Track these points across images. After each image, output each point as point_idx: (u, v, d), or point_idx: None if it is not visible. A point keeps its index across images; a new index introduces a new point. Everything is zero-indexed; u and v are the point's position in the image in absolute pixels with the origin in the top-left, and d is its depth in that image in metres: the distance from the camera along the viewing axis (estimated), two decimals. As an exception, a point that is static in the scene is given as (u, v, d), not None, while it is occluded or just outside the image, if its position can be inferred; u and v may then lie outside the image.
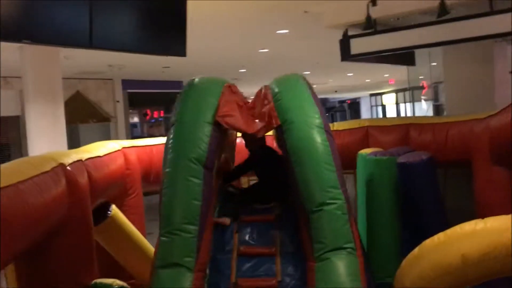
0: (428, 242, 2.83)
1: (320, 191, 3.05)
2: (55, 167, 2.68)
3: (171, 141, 3.21)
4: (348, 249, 2.96)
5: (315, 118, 3.21)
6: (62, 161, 2.81)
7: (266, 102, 3.37)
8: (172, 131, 3.24)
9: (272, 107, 3.28)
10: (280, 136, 3.28)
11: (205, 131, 3.15)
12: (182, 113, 3.27)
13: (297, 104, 3.28)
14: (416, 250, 2.89)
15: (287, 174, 3.27)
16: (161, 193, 3.13)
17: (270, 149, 3.95)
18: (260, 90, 3.55)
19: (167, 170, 3.13)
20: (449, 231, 2.76)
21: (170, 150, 3.18)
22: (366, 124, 5.28)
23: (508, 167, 3.81)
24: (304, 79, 3.53)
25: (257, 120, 3.33)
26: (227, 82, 3.53)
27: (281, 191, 3.68)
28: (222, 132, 3.33)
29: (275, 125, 3.25)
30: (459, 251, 2.60)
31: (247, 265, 3.25)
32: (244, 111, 3.38)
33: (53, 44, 4.16)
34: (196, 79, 3.48)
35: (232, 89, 3.48)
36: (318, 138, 3.15)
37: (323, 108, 3.43)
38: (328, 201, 3.02)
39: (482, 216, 2.74)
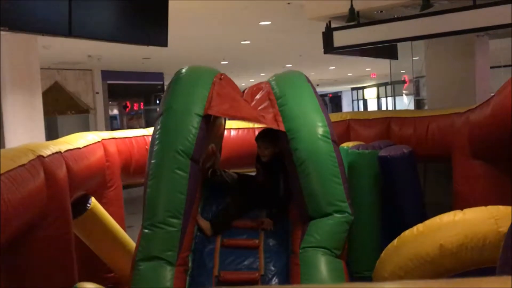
0: (407, 232, 2.85)
1: (327, 204, 3.04)
2: (32, 159, 2.62)
3: (158, 131, 3.13)
4: (336, 252, 3.01)
5: (321, 127, 3.16)
6: (40, 153, 2.74)
7: (268, 103, 3.29)
8: (159, 121, 3.16)
9: (277, 112, 3.21)
10: (285, 142, 3.21)
11: (194, 123, 3.08)
12: (171, 103, 3.18)
13: (303, 112, 3.22)
14: (395, 241, 2.92)
15: (291, 181, 3.23)
16: (145, 185, 3.07)
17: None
18: (258, 85, 3.49)
19: (153, 161, 3.06)
20: (428, 222, 2.80)
21: (157, 141, 3.10)
22: (348, 117, 5.28)
23: (487, 161, 3.84)
24: (308, 79, 3.46)
25: (262, 115, 3.25)
26: (218, 72, 3.46)
27: (281, 201, 3.52)
28: (210, 124, 3.27)
29: (279, 129, 3.19)
30: (437, 241, 2.63)
31: (230, 258, 3.21)
32: (243, 103, 3.31)
33: (31, 31, 4.06)
34: (186, 69, 3.40)
35: (223, 80, 3.40)
36: (325, 149, 3.11)
37: (327, 113, 3.37)
38: (335, 214, 3.04)
39: (461, 209, 2.77)
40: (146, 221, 2.97)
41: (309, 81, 3.45)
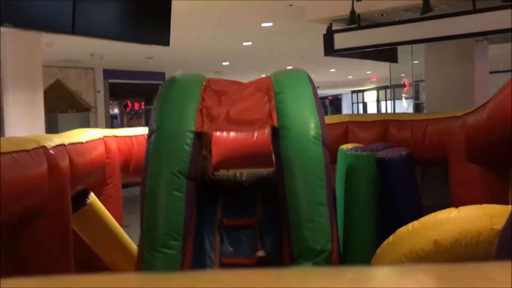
0: (402, 229, 2.91)
1: (307, 206, 3.01)
2: (36, 147, 2.66)
3: (151, 152, 3.08)
4: (324, 256, 2.98)
5: (314, 128, 3.12)
6: (43, 144, 2.78)
7: (266, 98, 3.26)
8: (151, 141, 3.11)
9: (273, 107, 3.18)
10: (275, 139, 3.20)
11: (187, 141, 3.04)
12: (161, 122, 3.13)
13: (298, 111, 3.19)
14: (391, 237, 2.97)
15: (276, 178, 3.23)
16: (142, 207, 3.03)
17: None
18: (261, 80, 3.46)
19: (149, 183, 3.02)
20: (423, 219, 2.86)
21: (151, 163, 3.05)
22: (346, 119, 5.32)
23: (483, 165, 3.87)
24: (310, 79, 3.43)
25: (254, 116, 3.23)
26: (205, 79, 3.40)
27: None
28: (202, 137, 3.24)
29: (272, 125, 3.16)
30: (432, 237, 2.69)
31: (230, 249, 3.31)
32: (234, 112, 3.25)
33: (35, 29, 4.11)
34: (172, 81, 3.35)
35: (211, 87, 3.33)
36: (313, 151, 3.07)
37: (323, 115, 3.33)
38: (313, 218, 2.99)
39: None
40: (146, 246, 2.95)
41: (310, 80, 3.42)
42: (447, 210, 2.79)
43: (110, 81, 14.50)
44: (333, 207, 3.19)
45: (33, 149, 2.61)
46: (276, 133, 3.16)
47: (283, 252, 3.21)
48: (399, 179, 4.09)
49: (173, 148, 3.04)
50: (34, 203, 2.62)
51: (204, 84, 3.33)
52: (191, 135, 3.05)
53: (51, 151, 2.82)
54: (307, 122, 3.15)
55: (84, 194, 3.76)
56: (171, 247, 2.92)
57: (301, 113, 3.19)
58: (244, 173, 4.05)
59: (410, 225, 2.87)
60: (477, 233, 2.58)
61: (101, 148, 4.03)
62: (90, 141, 3.79)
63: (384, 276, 0.56)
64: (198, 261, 3.29)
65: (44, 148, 2.75)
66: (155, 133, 3.10)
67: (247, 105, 3.28)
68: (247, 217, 3.54)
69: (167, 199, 2.97)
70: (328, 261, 2.99)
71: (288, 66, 14.44)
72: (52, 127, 11.82)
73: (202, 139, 3.22)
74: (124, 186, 4.63)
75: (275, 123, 3.12)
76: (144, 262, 2.95)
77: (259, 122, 3.21)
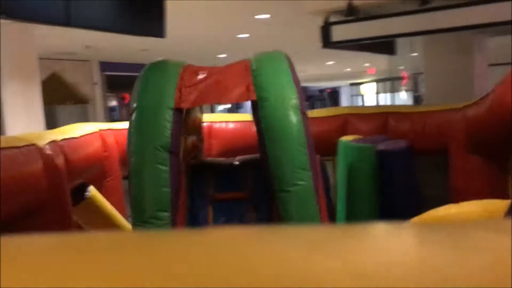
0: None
1: (290, 172, 3.06)
2: (27, 145, 2.64)
3: (133, 129, 3.16)
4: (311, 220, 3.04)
5: (292, 98, 3.18)
6: (35, 142, 2.76)
7: (244, 73, 3.33)
8: (133, 118, 3.19)
9: (250, 81, 3.25)
10: (255, 113, 3.27)
11: (167, 117, 3.12)
12: (141, 100, 3.22)
13: (275, 83, 3.25)
14: None
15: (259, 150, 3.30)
16: (129, 184, 3.12)
17: None
18: (241, 60, 3.52)
19: (133, 159, 3.11)
20: (423, 216, 2.82)
21: (134, 139, 3.14)
22: (345, 111, 5.30)
23: (483, 156, 3.87)
24: (287, 57, 3.50)
25: (230, 88, 3.29)
26: (183, 64, 3.49)
27: None
28: (183, 117, 3.32)
29: (251, 99, 3.23)
30: None
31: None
32: (210, 85, 3.33)
33: (29, 20, 4.06)
34: (152, 65, 3.45)
35: (188, 70, 3.42)
36: (293, 118, 3.13)
37: (302, 89, 3.42)
38: (296, 182, 3.05)
39: (457, 203, 2.80)
40: (135, 219, 3.04)
41: (288, 59, 3.48)
42: (447, 206, 2.76)
43: (107, 73, 14.46)
44: (317, 174, 3.25)
45: (24, 146, 2.58)
46: (255, 106, 3.22)
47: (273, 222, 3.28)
48: (398, 171, 4.09)
49: (153, 125, 3.12)
50: (29, 201, 2.60)
51: (184, 66, 3.43)
52: (170, 112, 3.13)
53: (44, 149, 2.80)
54: (286, 93, 3.21)
55: (84, 188, 3.78)
56: (160, 218, 3.00)
57: (279, 85, 3.25)
58: (237, 157, 4.18)
59: (410, 222, 2.84)
60: None
61: (97, 142, 4.03)
62: (84, 135, 3.79)
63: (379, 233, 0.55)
64: None
65: (36, 145, 2.72)
66: (136, 112, 3.19)
67: (225, 79, 3.35)
68: (238, 191, 3.70)
69: (152, 173, 3.04)
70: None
71: (286, 58, 14.39)
72: (51, 119, 11.78)
73: (182, 115, 3.29)
74: (126, 178, 4.65)
75: (253, 97, 3.19)
76: None
77: (237, 94, 3.27)
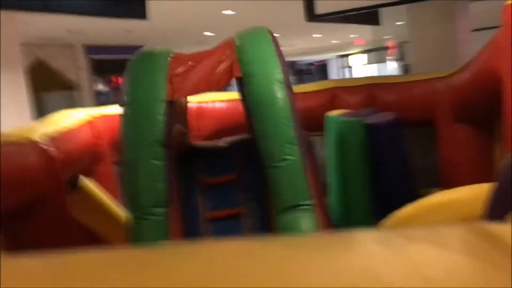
0: (396, 215, 2.90)
1: (278, 146, 3.06)
2: (21, 140, 2.63)
3: (126, 124, 3.12)
4: (305, 206, 3.01)
5: (277, 73, 3.16)
6: (27, 136, 2.75)
7: (228, 52, 3.31)
8: (125, 113, 3.14)
9: (235, 58, 3.23)
10: (241, 90, 3.24)
11: (160, 111, 3.09)
12: (133, 93, 3.18)
13: (260, 58, 3.23)
14: (385, 224, 2.97)
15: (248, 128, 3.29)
16: (123, 180, 3.09)
17: None
18: (226, 39, 3.51)
19: (127, 156, 3.07)
20: (417, 204, 2.83)
21: (128, 135, 3.10)
22: (332, 85, 5.29)
23: (470, 125, 3.91)
24: (270, 33, 3.46)
25: (217, 71, 3.26)
26: (171, 52, 3.44)
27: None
28: (174, 106, 3.30)
29: (235, 76, 3.20)
30: (425, 223, 2.67)
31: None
32: (199, 72, 3.30)
33: (6, 8, 3.99)
34: (139, 56, 3.40)
35: (180, 57, 3.38)
36: (279, 93, 3.12)
37: (286, 63, 3.38)
38: (284, 157, 3.04)
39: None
40: (131, 215, 3.01)
41: (271, 33, 3.45)
42: (440, 193, 2.77)
43: (92, 57, 14.29)
44: (306, 150, 3.23)
45: (18, 141, 2.58)
46: (241, 83, 3.21)
47: (266, 205, 3.30)
48: (387, 144, 4.11)
49: (147, 119, 3.09)
50: (26, 197, 2.61)
51: (172, 55, 3.38)
52: (163, 105, 3.10)
53: (38, 142, 2.79)
54: (270, 67, 3.19)
55: (74, 178, 3.76)
56: (156, 214, 2.98)
57: (263, 60, 3.23)
58: (225, 139, 4.13)
59: (403, 211, 2.86)
60: (470, 217, 2.55)
61: (88, 130, 4.00)
62: (75, 123, 3.76)
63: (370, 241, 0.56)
64: (186, 224, 3.39)
65: (28, 139, 2.72)
66: (128, 106, 3.15)
67: (211, 63, 3.32)
68: (228, 174, 3.67)
69: (147, 168, 3.02)
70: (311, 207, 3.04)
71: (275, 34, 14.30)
72: (38, 107, 11.68)
73: (174, 106, 3.27)
74: (117, 163, 4.63)
75: (237, 74, 3.17)
76: (132, 230, 3.00)
77: (224, 77, 3.24)
